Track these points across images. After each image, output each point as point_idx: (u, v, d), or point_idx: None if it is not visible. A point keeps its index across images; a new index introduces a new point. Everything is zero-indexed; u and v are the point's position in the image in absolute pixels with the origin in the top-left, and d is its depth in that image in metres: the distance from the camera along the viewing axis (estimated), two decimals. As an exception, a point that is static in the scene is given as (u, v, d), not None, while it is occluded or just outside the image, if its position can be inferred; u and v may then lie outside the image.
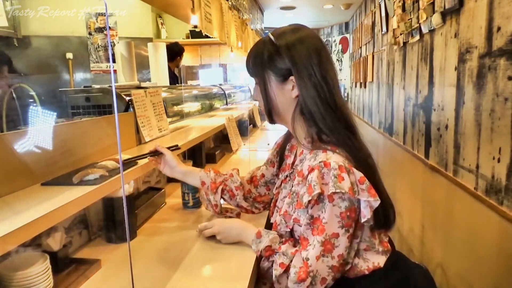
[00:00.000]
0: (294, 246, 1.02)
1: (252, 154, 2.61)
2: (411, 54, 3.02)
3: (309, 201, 0.93)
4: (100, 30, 3.87)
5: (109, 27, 3.89)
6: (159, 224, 1.44)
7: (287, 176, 1.14)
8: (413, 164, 2.86)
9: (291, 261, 0.97)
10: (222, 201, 1.32)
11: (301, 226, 0.99)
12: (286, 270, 0.97)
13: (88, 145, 1.17)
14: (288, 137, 1.24)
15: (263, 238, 1.04)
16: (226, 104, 3.54)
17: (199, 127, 2.09)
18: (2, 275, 0.85)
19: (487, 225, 1.68)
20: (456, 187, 2.01)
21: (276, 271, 0.98)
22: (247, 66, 1.12)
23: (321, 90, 1.00)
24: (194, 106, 2.59)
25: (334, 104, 1.01)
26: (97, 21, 3.85)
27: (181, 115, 2.20)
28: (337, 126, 1.00)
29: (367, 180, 0.93)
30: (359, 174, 0.93)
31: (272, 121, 1.12)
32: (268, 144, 2.90)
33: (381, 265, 1.00)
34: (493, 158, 1.63)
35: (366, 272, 0.99)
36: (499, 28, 1.59)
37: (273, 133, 3.68)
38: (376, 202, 0.92)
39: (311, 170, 0.94)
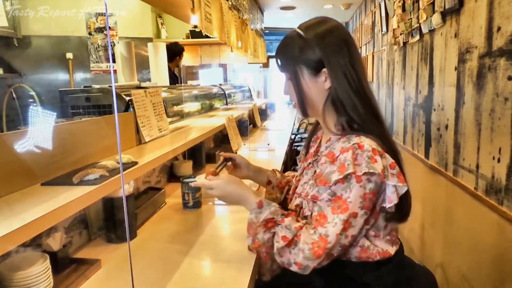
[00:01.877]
0: (297, 221, 0.99)
1: (252, 154, 2.62)
2: (411, 54, 3.02)
3: (340, 178, 0.92)
4: (100, 30, 3.87)
5: (109, 27, 3.89)
6: (159, 224, 1.44)
7: (310, 163, 1.14)
8: (413, 164, 2.86)
9: (295, 235, 0.95)
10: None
11: (318, 202, 0.97)
12: (289, 244, 0.94)
13: (88, 145, 1.17)
14: (313, 132, 1.24)
15: (264, 209, 1.00)
16: (226, 104, 3.54)
17: (199, 127, 2.09)
18: (2, 275, 0.85)
19: (487, 225, 1.67)
20: (456, 187, 2.00)
21: (278, 243, 0.95)
22: (277, 63, 1.09)
23: (352, 80, 1.01)
24: (194, 106, 2.59)
25: (364, 94, 1.02)
26: (97, 21, 3.85)
27: (181, 115, 2.20)
28: (368, 115, 1.01)
29: (397, 166, 0.95)
30: (390, 159, 0.95)
31: (305, 114, 1.09)
32: (268, 144, 2.91)
33: (392, 253, 1.01)
34: (493, 158, 1.63)
35: (378, 257, 0.99)
36: (499, 28, 1.59)
37: (273, 133, 3.68)
38: (403, 188, 0.94)
39: (345, 151, 0.94)
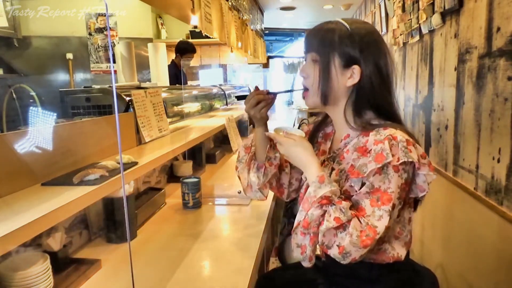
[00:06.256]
0: (351, 209, 0.94)
1: (252, 155, 2.60)
2: (411, 55, 3.02)
3: (377, 169, 0.91)
4: (100, 30, 3.87)
5: (109, 28, 3.89)
6: (159, 224, 1.45)
7: (325, 160, 1.12)
8: (413, 165, 2.86)
9: (348, 221, 0.90)
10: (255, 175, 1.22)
11: (353, 197, 0.96)
12: (339, 227, 0.90)
13: (88, 145, 1.18)
14: (319, 126, 1.22)
15: (325, 185, 0.94)
16: (226, 104, 3.54)
17: (199, 127, 2.09)
18: (2, 275, 0.85)
19: (487, 225, 1.68)
20: (456, 187, 2.01)
21: (329, 223, 0.90)
22: (311, 41, 1.06)
23: (388, 80, 1.05)
24: (194, 106, 2.59)
25: (391, 95, 1.07)
26: (97, 22, 3.85)
27: (181, 116, 2.20)
28: (395, 114, 1.07)
29: (427, 156, 0.97)
30: (421, 149, 0.96)
31: (325, 101, 1.06)
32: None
33: (402, 257, 1.01)
34: (493, 158, 1.63)
35: (391, 261, 1.00)
36: (498, 29, 1.59)
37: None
38: (432, 177, 0.95)
39: (379, 142, 0.94)
